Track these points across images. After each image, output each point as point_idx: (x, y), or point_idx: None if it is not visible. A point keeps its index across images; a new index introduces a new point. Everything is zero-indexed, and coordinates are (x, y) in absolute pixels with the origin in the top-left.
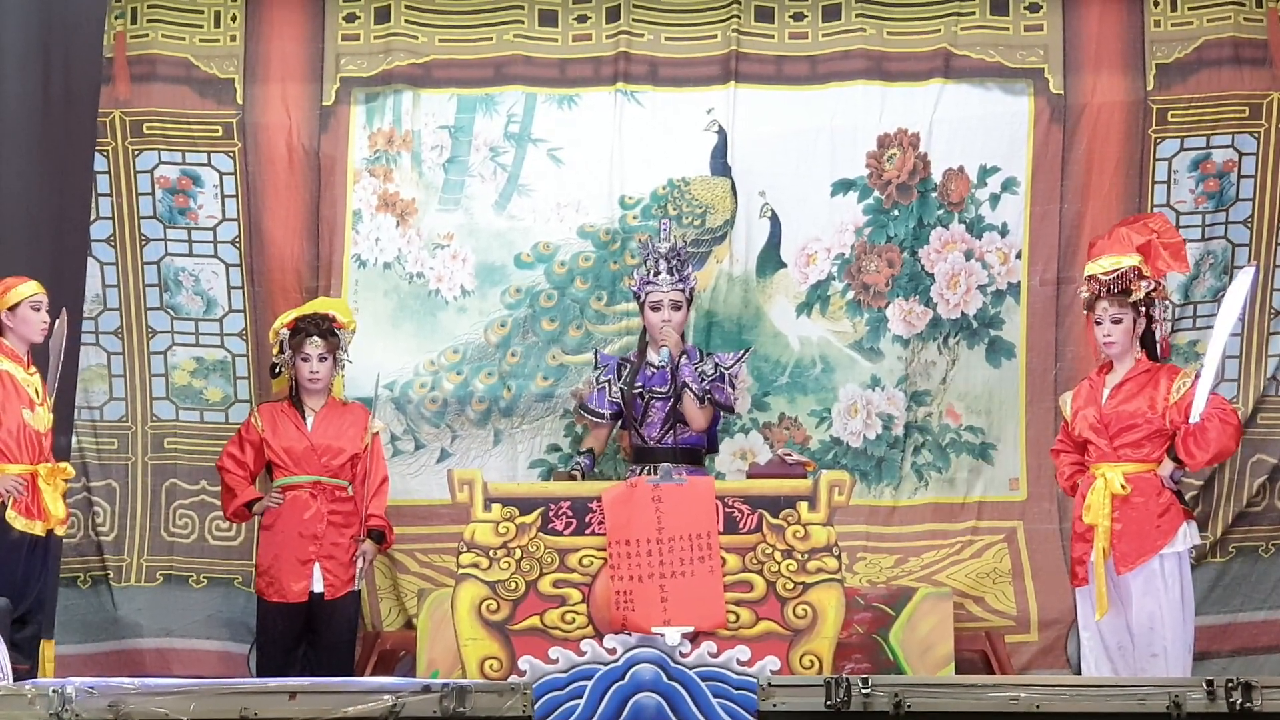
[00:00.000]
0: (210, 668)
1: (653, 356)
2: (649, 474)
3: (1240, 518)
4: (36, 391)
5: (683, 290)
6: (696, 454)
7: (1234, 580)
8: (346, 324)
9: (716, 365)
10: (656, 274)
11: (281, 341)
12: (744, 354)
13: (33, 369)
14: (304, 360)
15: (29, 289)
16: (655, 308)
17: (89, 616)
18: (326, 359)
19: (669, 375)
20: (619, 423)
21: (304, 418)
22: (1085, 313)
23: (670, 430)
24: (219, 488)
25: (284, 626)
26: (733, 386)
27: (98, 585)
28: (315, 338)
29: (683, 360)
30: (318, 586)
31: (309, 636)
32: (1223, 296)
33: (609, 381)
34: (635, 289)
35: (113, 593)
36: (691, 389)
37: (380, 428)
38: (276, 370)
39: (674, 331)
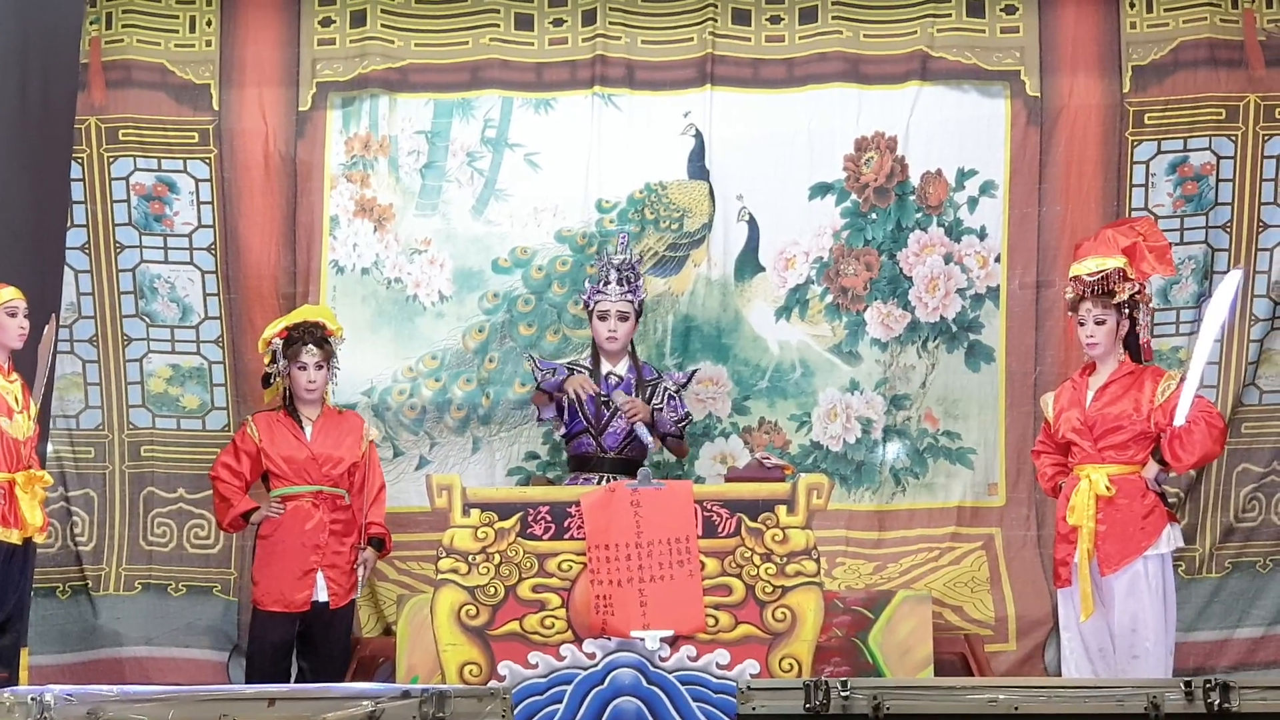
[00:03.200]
0: (190, 676)
1: (609, 365)
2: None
3: (1235, 532)
4: (16, 399)
5: (631, 302)
6: (641, 465)
7: (1231, 596)
8: (335, 331)
9: (675, 384)
10: (606, 283)
11: (274, 351)
12: (691, 374)
13: (13, 376)
14: (301, 369)
15: (4, 295)
16: (603, 317)
17: (68, 626)
18: (323, 367)
19: (632, 386)
20: (562, 431)
21: (301, 427)
22: (1069, 313)
23: (630, 441)
24: (197, 495)
25: (279, 636)
26: (681, 403)
27: (77, 595)
28: (311, 346)
29: (655, 415)
30: (322, 595)
31: (302, 646)
32: (1205, 300)
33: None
34: (585, 297)
35: (93, 602)
36: (674, 432)
37: (376, 436)
38: (270, 380)
39: (625, 351)
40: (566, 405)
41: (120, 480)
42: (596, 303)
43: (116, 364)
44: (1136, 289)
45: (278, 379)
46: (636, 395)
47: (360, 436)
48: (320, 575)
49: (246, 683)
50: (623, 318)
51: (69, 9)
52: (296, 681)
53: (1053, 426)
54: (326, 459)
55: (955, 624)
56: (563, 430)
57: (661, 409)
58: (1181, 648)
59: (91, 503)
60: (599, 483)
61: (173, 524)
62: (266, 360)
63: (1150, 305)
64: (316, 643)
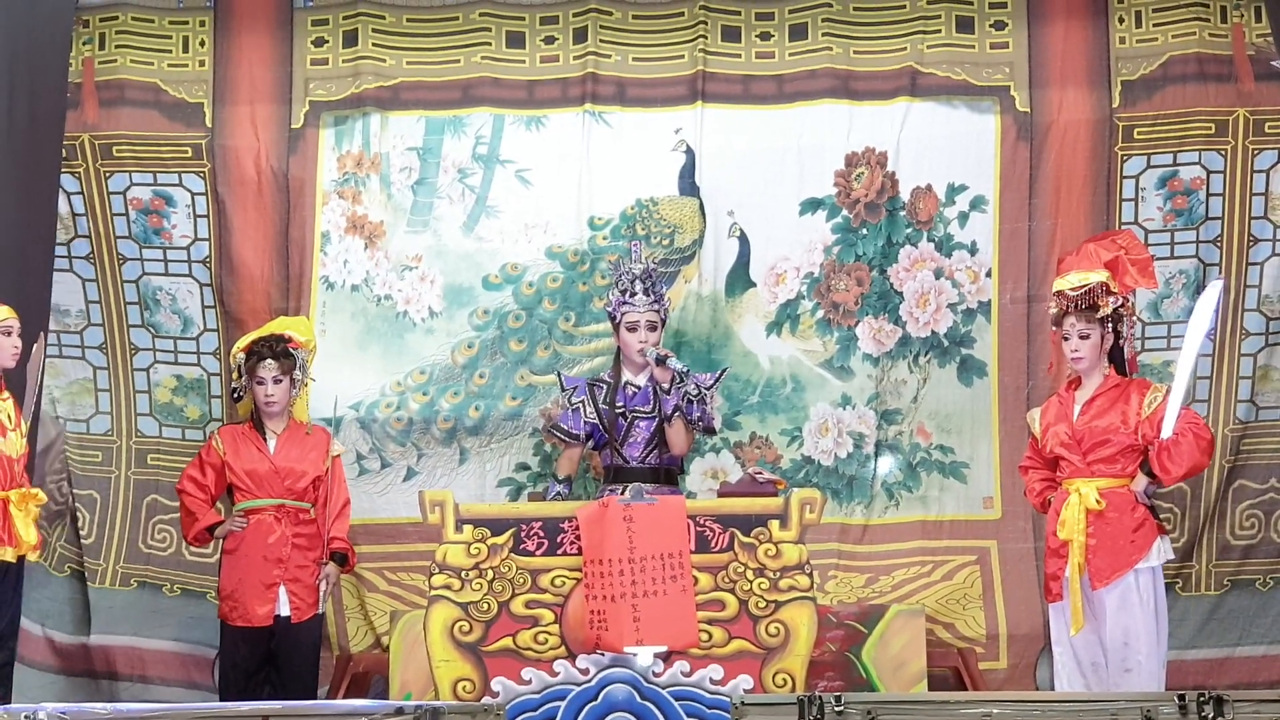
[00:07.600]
0: (179, 669)
1: (629, 375)
2: (620, 493)
3: (1232, 549)
4: (9, 417)
5: (658, 311)
6: (673, 474)
7: (1231, 614)
8: (305, 343)
9: (698, 386)
10: (633, 295)
11: (239, 366)
12: (721, 374)
13: (5, 394)
14: (259, 384)
15: None
16: (632, 328)
17: (63, 609)
18: (281, 381)
19: (651, 395)
20: (589, 444)
21: (265, 440)
22: (1053, 328)
23: (653, 450)
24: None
25: (247, 651)
26: (707, 405)
27: (74, 577)
28: (268, 360)
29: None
30: (284, 610)
31: (272, 661)
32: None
33: (583, 402)
34: (610, 309)
35: (87, 592)
36: (685, 414)
37: (341, 450)
38: (238, 395)
39: (655, 351)
40: (583, 424)
41: (125, 486)
42: (624, 314)
43: (125, 372)
44: (1120, 302)
45: (244, 394)
46: (655, 403)
47: (325, 451)
48: (283, 589)
49: (221, 698)
50: (652, 327)
51: (57, 28)
52: (266, 694)
53: (1040, 441)
54: (289, 472)
55: (947, 641)
56: (590, 444)
57: (693, 394)
58: (1180, 666)
59: (94, 503)
60: (623, 493)
61: (173, 531)
62: (234, 376)
63: (1135, 318)
64: (285, 657)
